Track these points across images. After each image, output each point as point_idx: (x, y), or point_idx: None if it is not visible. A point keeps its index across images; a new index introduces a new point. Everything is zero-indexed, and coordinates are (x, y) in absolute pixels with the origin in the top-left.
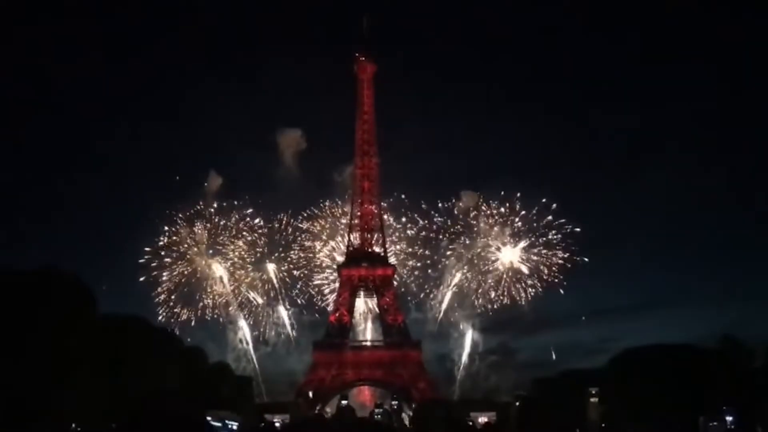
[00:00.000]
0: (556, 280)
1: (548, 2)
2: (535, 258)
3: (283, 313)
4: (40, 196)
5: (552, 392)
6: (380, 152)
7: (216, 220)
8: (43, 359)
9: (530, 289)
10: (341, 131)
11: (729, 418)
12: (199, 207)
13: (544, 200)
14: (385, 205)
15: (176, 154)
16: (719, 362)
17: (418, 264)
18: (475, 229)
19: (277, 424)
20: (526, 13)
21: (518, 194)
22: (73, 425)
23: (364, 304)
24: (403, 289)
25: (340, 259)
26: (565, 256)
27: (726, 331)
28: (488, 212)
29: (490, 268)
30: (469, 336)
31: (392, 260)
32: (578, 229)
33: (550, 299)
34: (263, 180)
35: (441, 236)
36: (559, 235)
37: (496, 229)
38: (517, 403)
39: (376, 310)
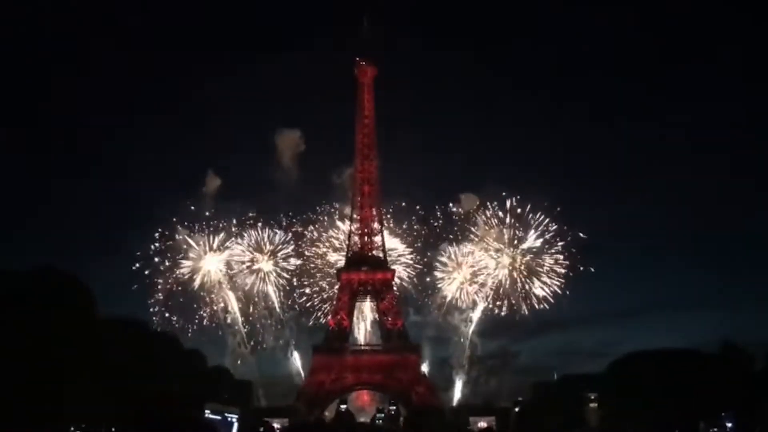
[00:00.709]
0: (558, 284)
1: (549, 4)
2: (536, 262)
3: (281, 315)
4: (39, 196)
5: (551, 397)
6: (380, 155)
7: (214, 222)
8: (43, 361)
9: (531, 294)
10: (340, 133)
11: (729, 424)
12: (194, 209)
13: (546, 204)
14: (386, 211)
15: (175, 154)
16: (719, 367)
17: (417, 267)
18: (475, 232)
19: (277, 427)
20: (527, 15)
21: (518, 197)
22: (72, 428)
23: (364, 307)
24: (401, 291)
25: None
26: (567, 263)
27: (726, 335)
28: (488, 216)
29: (490, 273)
30: (469, 339)
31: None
32: (583, 235)
33: (551, 303)
34: (262, 182)
35: (439, 240)
36: (561, 241)
37: (495, 233)
38: (517, 408)
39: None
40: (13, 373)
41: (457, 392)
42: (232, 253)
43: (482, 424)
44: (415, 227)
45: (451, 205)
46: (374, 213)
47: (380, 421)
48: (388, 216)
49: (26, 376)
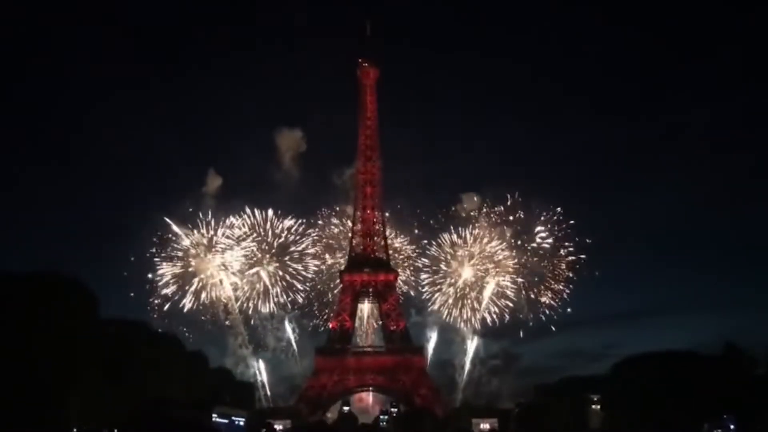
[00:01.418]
0: (562, 288)
1: (551, 7)
2: (538, 265)
3: (285, 321)
4: (40, 198)
5: (553, 399)
6: (382, 156)
7: (215, 222)
8: (46, 362)
9: (533, 297)
10: (341, 133)
11: (731, 426)
12: (194, 209)
13: (556, 207)
14: (388, 214)
15: (176, 154)
16: (722, 369)
17: (420, 268)
18: (477, 232)
19: (279, 429)
20: (529, 17)
21: (519, 199)
22: (75, 430)
23: (366, 309)
24: (404, 294)
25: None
26: (572, 267)
27: (728, 338)
28: (490, 216)
29: (492, 274)
30: (471, 342)
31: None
32: (589, 240)
33: (554, 307)
34: (263, 182)
35: (441, 241)
36: (565, 246)
37: (497, 233)
38: (519, 410)
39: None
40: (16, 374)
41: (460, 394)
42: (233, 253)
43: (485, 426)
44: (416, 231)
45: (454, 209)
46: (376, 214)
47: (383, 423)
48: (389, 215)
49: (29, 378)
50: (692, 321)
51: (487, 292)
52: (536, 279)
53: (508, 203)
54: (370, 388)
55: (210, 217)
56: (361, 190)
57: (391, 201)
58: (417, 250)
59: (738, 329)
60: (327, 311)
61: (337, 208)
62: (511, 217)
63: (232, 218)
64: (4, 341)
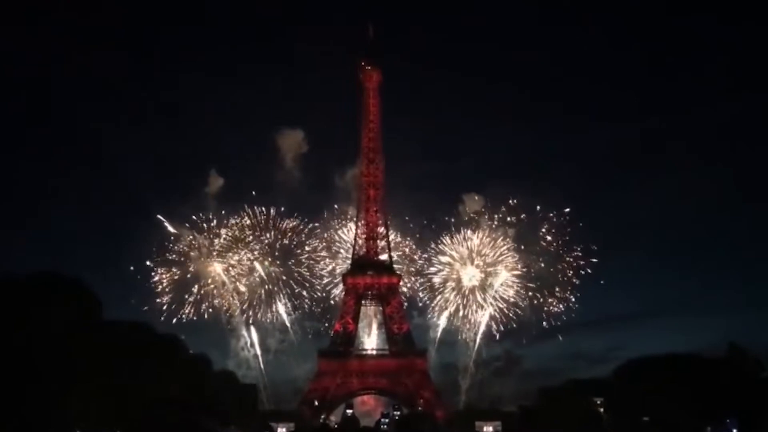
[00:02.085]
0: (567, 295)
1: (553, 9)
2: (544, 270)
3: (285, 318)
4: (42, 200)
5: (557, 401)
6: (384, 158)
7: (216, 222)
8: (48, 364)
9: (536, 301)
10: (343, 133)
11: (734, 429)
12: (196, 209)
13: (564, 209)
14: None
15: (177, 155)
16: (725, 371)
17: (422, 272)
18: (480, 235)
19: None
20: (531, 19)
21: (515, 202)
22: (77, 431)
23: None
24: (407, 299)
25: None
26: (577, 271)
27: (732, 340)
28: (492, 218)
29: (495, 276)
30: (474, 345)
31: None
32: (595, 248)
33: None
34: (264, 183)
35: (444, 243)
36: (572, 251)
37: (500, 236)
38: (522, 412)
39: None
40: (18, 375)
41: (463, 396)
42: (235, 254)
43: (488, 429)
44: (418, 236)
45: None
46: (379, 217)
47: (385, 426)
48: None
49: (31, 379)
50: (696, 323)
51: (492, 289)
52: (539, 284)
53: (511, 204)
54: (373, 391)
55: (212, 218)
56: (364, 193)
57: (395, 204)
58: (421, 254)
59: (742, 331)
60: (329, 315)
61: (336, 206)
62: (514, 219)
63: (233, 220)
64: (5, 343)
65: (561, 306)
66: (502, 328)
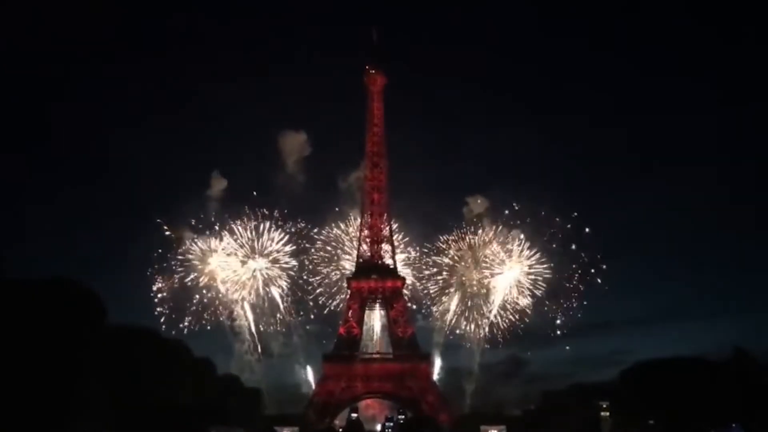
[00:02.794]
0: (574, 297)
1: (556, 12)
2: (543, 270)
3: (289, 320)
4: (47, 205)
5: (562, 405)
6: (389, 162)
7: (220, 225)
8: (54, 369)
9: (539, 306)
10: (346, 136)
11: None
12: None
13: (575, 216)
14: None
15: (181, 158)
16: (730, 375)
17: (427, 275)
18: (484, 238)
19: None
20: (533, 21)
21: (516, 206)
22: None
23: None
24: (412, 304)
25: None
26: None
27: (738, 344)
28: (496, 221)
29: (499, 280)
30: (479, 349)
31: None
32: (602, 261)
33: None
34: (267, 185)
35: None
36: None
37: (503, 240)
38: (527, 416)
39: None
40: (24, 381)
41: (468, 400)
42: (239, 258)
43: None
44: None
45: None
46: (384, 221)
47: (389, 430)
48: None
49: (37, 384)
50: (701, 327)
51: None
52: (545, 290)
53: (515, 207)
54: (378, 395)
55: (215, 222)
56: (368, 197)
57: (399, 208)
58: (425, 258)
59: (747, 335)
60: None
61: (337, 209)
62: (518, 222)
63: (236, 226)
64: (12, 348)
65: (564, 312)
66: (507, 336)
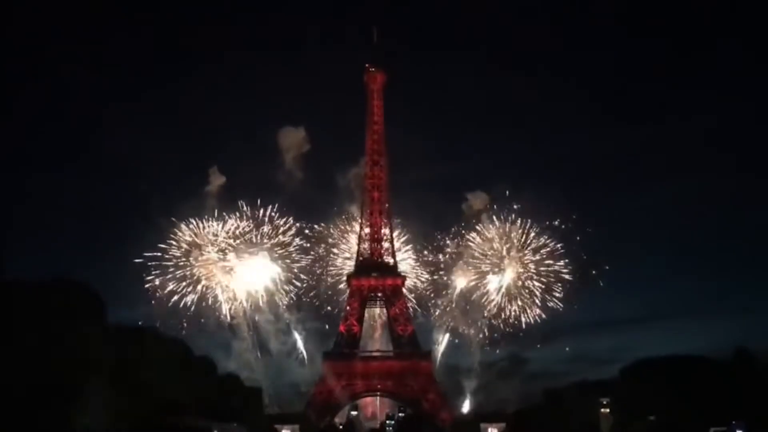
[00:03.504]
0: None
1: (558, 10)
2: (543, 270)
3: (288, 318)
4: (45, 202)
5: (563, 403)
6: (389, 160)
7: (219, 221)
8: (53, 368)
9: (540, 303)
10: (344, 133)
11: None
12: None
13: (575, 215)
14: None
15: (179, 154)
16: (731, 374)
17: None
18: (483, 234)
19: None
20: (534, 19)
21: (518, 206)
22: None
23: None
24: (413, 300)
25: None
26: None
27: (739, 343)
28: (496, 220)
29: (499, 279)
30: (479, 347)
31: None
32: (603, 259)
33: (561, 310)
34: (266, 182)
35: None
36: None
37: (503, 237)
38: (528, 414)
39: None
40: (23, 379)
41: (468, 398)
42: (238, 254)
43: (493, 430)
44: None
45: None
46: (384, 219)
47: (390, 428)
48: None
49: (36, 383)
50: (702, 325)
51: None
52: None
53: (516, 208)
54: (378, 393)
55: (214, 218)
56: (368, 195)
57: (399, 206)
58: (424, 256)
59: (749, 333)
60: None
61: (335, 208)
62: (519, 221)
63: (235, 220)
64: (11, 346)
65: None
66: (505, 333)
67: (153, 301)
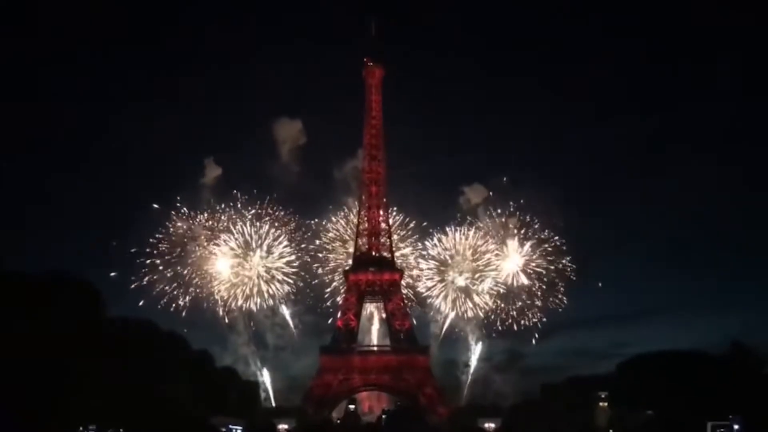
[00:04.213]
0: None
1: (556, 4)
2: (539, 265)
3: (285, 312)
4: (43, 196)
5: (560, 398)
6: (387, 154)
7: (214, 215)
8: (52, 362)
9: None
10: (342, 125)
11: (736, 426)
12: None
13: (572, 208)
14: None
15: (175, 147)
16: (728, 369)
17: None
18: (481, 227)
19: (285, 428)
20: (533, 13)
21: (516, 203)
22: (81, 428)
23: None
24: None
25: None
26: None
27: (736, 338)
28: (493, 215)
29: (497, 274)
30: (476, 343)
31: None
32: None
33: (561, 310)
34: (262, 175)
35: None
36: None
37: (499, 234)
38: (525, 409)
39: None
40: (23, 374)
41: (465, 393)
42: (233, 249)
43: (490, 425)
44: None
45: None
46: (381, 213)
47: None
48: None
49: (35, 377)
50: (699, 320)
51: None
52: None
53: (513, 205)
54: (375, 388)
55: (208, 210)
56: (366, 190)
57: (397, 200)
58: (421, 250)
59: (745, 329)
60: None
61: (331, 207)
62: (512, 219)
63: (229, 214)
64: (9, 340)
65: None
66: (503, 327)
67: (152, 294)
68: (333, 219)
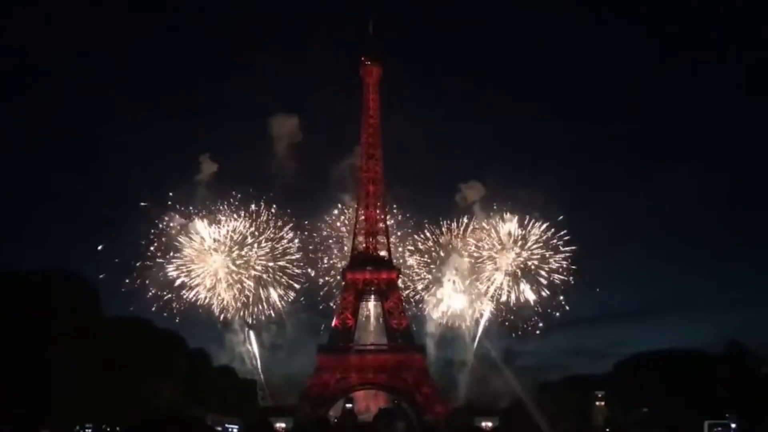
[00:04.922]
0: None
1: (556, 4)
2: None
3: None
4: (40, 195)
5: (557, 397)
6: (384, 153)
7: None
8: (48, 361)
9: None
10: (338, 123)
11: (733, 425)
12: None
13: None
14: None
15: (172, 143)
16: (725, 368)
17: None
18: (476, 225)
19: (282, 427)
20: (535, 9)
21: (511, 204)
22: (77, 428)
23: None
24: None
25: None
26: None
27: (733, 337)
28: (489, 213)
29: (494, 272)
30: (474, 341)
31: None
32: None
33: (559, 311)
34: (258, 172)
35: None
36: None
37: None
38: (522, 408)
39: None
40: (18, 372)
41: (463, 392)
42: (229, 246)
43: (487, 424)
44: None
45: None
46: (379, 212)
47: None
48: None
49: (32, 376)
50: (696, 320)
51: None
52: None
53: (509, 204)
54: (372, 387)
55: (205, 209)
56: (364, 189)
57: (394, 199)
58: (418, 248)
59: (742, 328)
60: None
61: (329, 207)
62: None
63: (224, 212)
64: (6, 339)
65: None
66: (501, 326)
67: (149, 293)
68: (327, 219)
